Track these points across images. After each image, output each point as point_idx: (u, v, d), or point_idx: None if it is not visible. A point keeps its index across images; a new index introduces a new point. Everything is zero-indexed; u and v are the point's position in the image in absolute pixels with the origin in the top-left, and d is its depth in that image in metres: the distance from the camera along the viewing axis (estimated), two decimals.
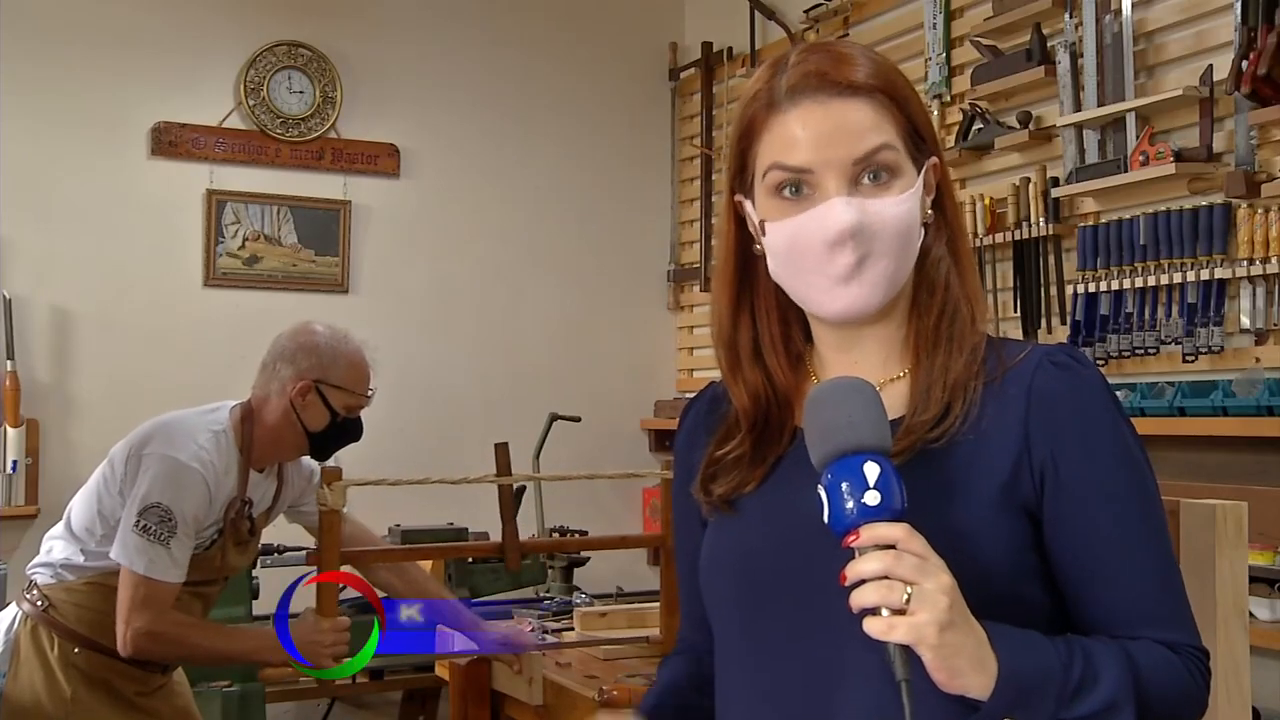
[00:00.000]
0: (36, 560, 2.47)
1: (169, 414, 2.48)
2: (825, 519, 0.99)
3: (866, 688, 1.04)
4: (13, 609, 2.47)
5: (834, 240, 1.08)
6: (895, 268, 1.10)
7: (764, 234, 1.14)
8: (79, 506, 2.46)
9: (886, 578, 0.95)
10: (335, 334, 2.52)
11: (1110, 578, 1.08)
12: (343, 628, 2.37)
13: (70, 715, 2.36)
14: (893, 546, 0.96)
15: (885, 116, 1.10)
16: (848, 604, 0.96)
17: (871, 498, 0.97)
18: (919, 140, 1.13)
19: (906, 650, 0.94)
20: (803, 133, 1.09)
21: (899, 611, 0.94)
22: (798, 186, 1.10)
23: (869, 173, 1.09)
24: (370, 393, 2.53)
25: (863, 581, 0.96)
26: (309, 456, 2.58)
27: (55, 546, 2.46)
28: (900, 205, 1.09)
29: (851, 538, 0.97)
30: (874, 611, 0.95)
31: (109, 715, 2.39)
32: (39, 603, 2.40)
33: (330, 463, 2.55)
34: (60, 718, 2.35)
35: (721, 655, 1.21)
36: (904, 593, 0.94)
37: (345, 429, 2.52)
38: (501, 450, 2.50)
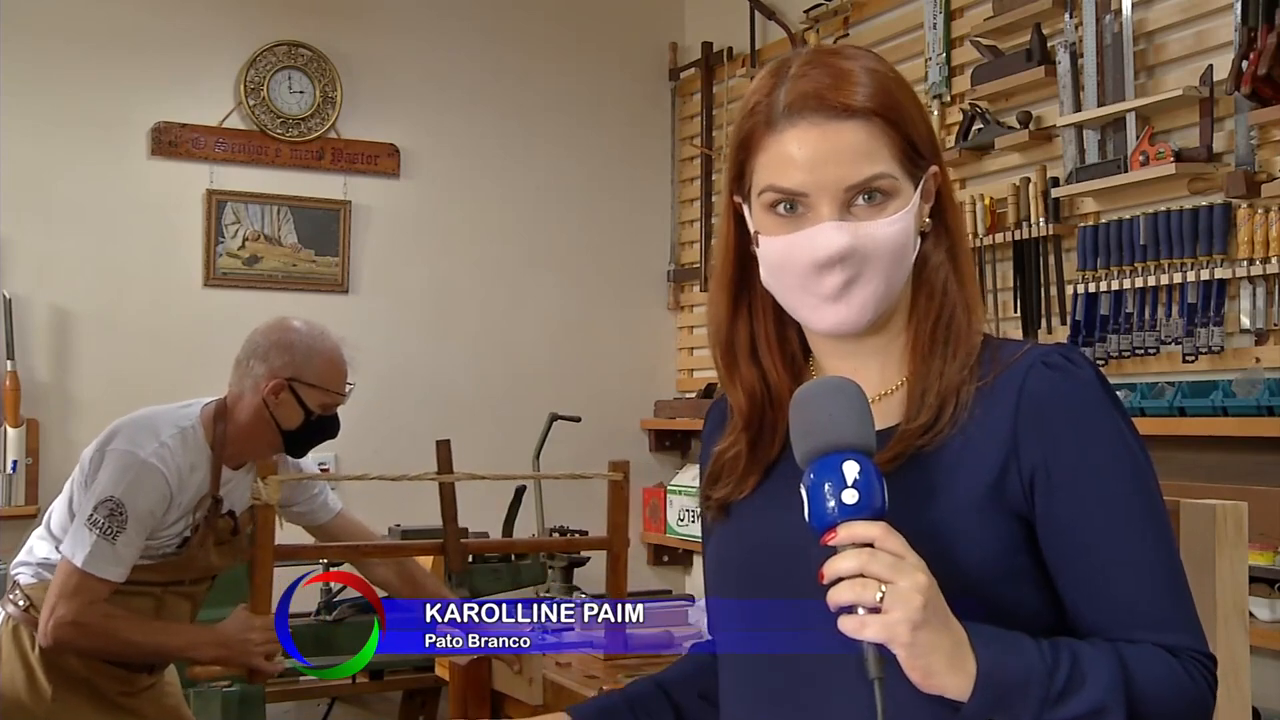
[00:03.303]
0: (18, 558, 2.46)
1: (141, 410, 2.46)
2: (806, 516, 0.99)
3: (851, 688, 1.03)
4: None
5: (823, 263, 1.09)
6: (885, 288, 1.11)
7: (757, 245, 1.15)
8: (58, 506, 2.45)
9: (862, 575, 0.95)
10: (311, 330, 2.48)
11: (1106, 579, 1.07)
12: (273, 625, 2.33)
13: (51, 715, 2.34)
14: (871, 545, 0.96)
15: (881, 140, 1.10)
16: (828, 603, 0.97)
17: (850, 496, 0.98)
18: (917, 156, 1.13)
19: (880, 649, 0.95)
20: (799, 153, 1.09)
21: (873, 610, 0.94)
22: (792, 204, 1.11)
23: (863, 194, 1.10)
24: (347, 390, 2.49)
25: (840, 579, 0.96)
26: (285, 454, 2.55)
27: (36, 545, 2.45)
28: (893, 226, 1.10)
29: (830, 536, 0.97)
30: (850, 610, 0.95)
31: (90, 715, 2.38)
32: (21, 603, 2.39)
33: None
34: (41, 718, 2.34)
35: (724, 653, 1.22)
36: (878, 591, 0.94)
37: (320, 426, 2.48)
38: (443, 447, 2.43)
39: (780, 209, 1.11)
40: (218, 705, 2.97)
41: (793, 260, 1.11)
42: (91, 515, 2.27)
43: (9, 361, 4.02)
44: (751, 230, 1.16)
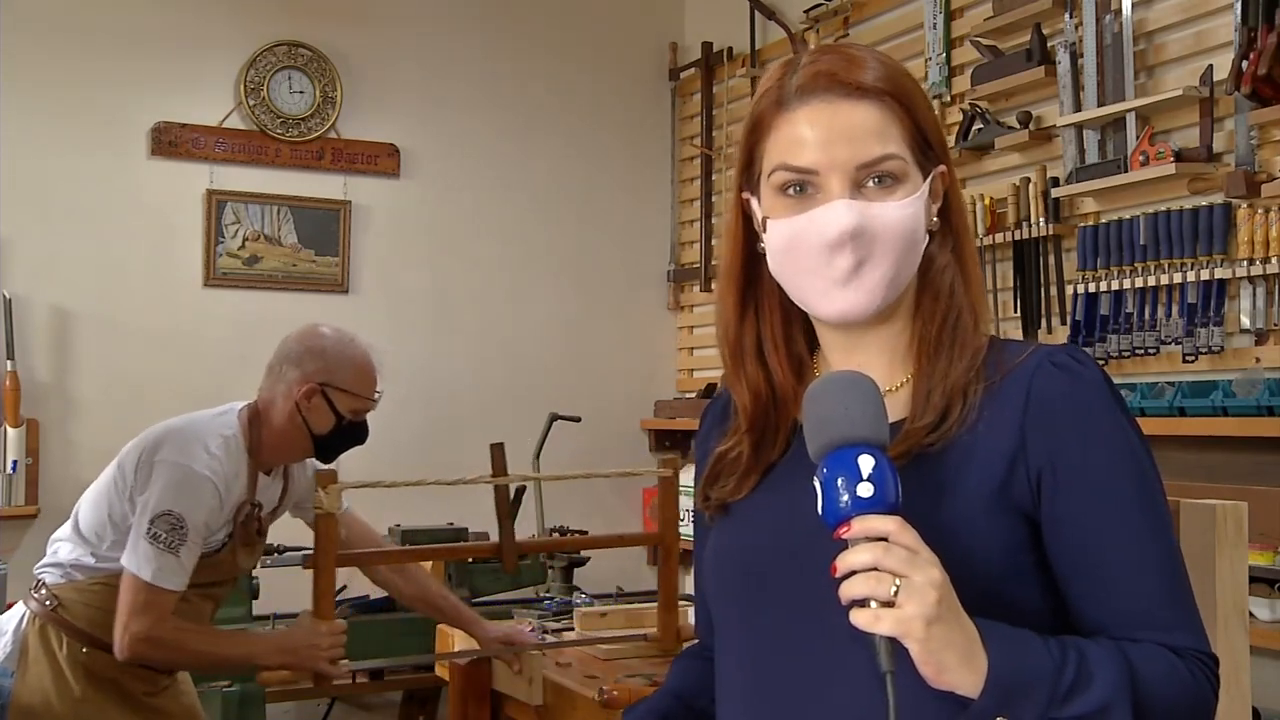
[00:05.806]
0: (44, 561, 2.47)
1: (179, 418, 2.47)
2: (819, 510, 0.99)
3: (857, 683, 1.03)
4: (19, 608, 2.46)
5: (834, 242, 1.08)
6: (895, 272, 1.10)
7: (765, 231, 1.14)
8: (88, 510, 2.45)
9: (876, 569, 0.94)
10: (342, 337, 2.52)
11: (1111, 579, 1.07)
12: (339, 630, 2.37)
13: (79, 715, 2.36)
14: (884, 539, 0.95)
15: (893, 121, 1.10)
16: (839, 597, 0.96)
17: (865, 490, 0.97)
18: (927, 147, 1.13)
19: (893, 643, 0.94)
20: (810, 133, 1.09)
21: (887, 604, 0.94)
22: (802, 185, 1.10)
23: (874, 177, 1.09)
24: (377, 396, 2.54)
25: (853, 573, 0.95)
26: (314, 459, 2.58)
27: (62, 548, 2.45)
28: (903, 209, 1.10)
29: (843, 529, 0.97)
30: (863, 604, 0.95)
31: (117, 715, 2.40)
32: (48, 602, 2.40)
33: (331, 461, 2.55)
34: (69, 717, 2.36)
35: (721, 650, 1.22)
36: (892, 585, 0.94)
37: (351, 432, 2.52)
38: (497, 451, 2.49)
39: (790, 191, 1.11)
40: (218, 705, 2.98)
41: (803, 241, 1.10)
42: (151, 529, 2.30)
43: (9, 361, 4.02)
44: (759, 218, 1.15)
